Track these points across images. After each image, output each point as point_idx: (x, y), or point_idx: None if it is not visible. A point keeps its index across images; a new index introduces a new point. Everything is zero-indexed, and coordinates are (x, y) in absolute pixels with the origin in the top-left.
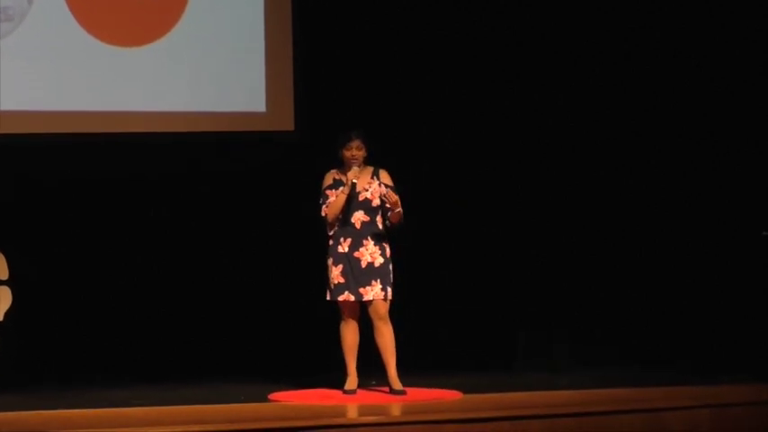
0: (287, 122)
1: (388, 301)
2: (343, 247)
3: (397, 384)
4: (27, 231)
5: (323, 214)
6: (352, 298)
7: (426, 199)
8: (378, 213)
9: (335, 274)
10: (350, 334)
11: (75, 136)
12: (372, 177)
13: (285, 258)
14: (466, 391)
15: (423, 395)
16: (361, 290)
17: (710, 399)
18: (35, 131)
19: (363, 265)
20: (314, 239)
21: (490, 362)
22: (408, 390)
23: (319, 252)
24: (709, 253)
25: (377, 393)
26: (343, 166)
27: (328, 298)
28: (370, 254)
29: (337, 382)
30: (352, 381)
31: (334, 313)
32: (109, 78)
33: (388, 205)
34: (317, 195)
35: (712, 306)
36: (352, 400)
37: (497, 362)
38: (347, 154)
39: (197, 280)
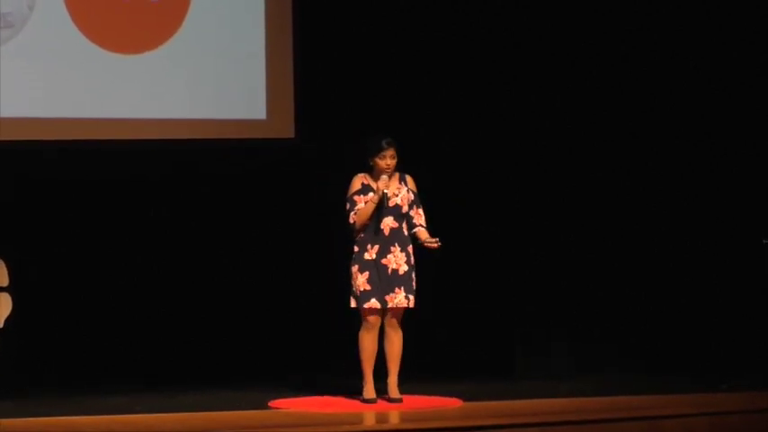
0: (287, 130)
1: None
2: (371, 254)
3: (395, 393)
4: (27, 236)
5: (351, 221)
6: (379, 305)
7: (425, 202)
8: (404, 220)
9: (362, 281)
10: (371, 343)
11: (75, 142)
12: (400, 183)
13: (285, 263)
14: (466, 398)
15: (423, 403)
16: (387, 297)
17: (709, 406)
18: (36, 138)
19: (389, 272)
20: (314, 244)
21: (490, 364)
22: (409, 397)
23: (320, 256)
24: (709, 260)
25: (378, 401)
26: (372, 172)
27: (353, 305)
28: (396, 261)
29: (338, 388)
30: (370, 389)
31: (335, 319)
32: (110, 85)
33: (417, 221)
34: (343, 200)
35: (711, 313)
36: (353, 408)
37: (497, 364)
38: (381, 163)
39: (197, 286)
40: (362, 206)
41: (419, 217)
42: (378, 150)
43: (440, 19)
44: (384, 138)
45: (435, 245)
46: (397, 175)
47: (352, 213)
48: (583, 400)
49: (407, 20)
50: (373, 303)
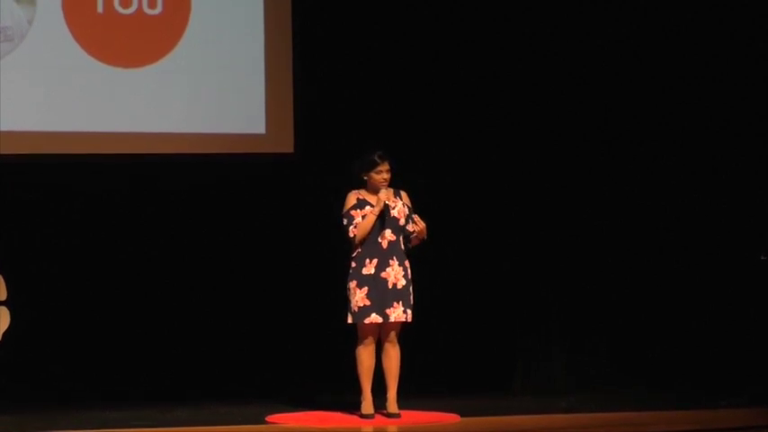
0: (286, 144)
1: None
2: (369, 269)
3: (393, 408)
4: (25, 250)
5: (351, 235)
6: (380, 320)
7: (423, 215)
8: (402, 233)
9: (360, 296)
10: (369, 358)
11: (74, 156)
12: (395, 197)
13: (284, 278)
14: (464, 414)
15: (421, 418)
16: (387, 311)
17: (708, 423)
18: (35, 152)
19: (389, 286)
20: (313, 259)
21: (488, 379)
22: (407, 412)
23: (319, 271)
24: (709, 276)
25: (376, 416)
26: (366, 188)
27: (350, 321)
28: (395, 275)
29: (336, 403)
30: (368, 405)
31: (333, 334)
32: (109, 99)
33: (412, 228)
34: (339, 217)
35: (710, 329)
36: (351, 423)
37: (496, 380)
38: (378, 177)
39: (195, 300)
40: (361, 220)
41: (414, 225)
42: (373, 165)
43: (438, 35)
44: (377, 152)
45: (422, 225)
46: (391, 190)
47: (352, 227)
48: (582, 416)
49: (406, 36)
50: (374, 318)
